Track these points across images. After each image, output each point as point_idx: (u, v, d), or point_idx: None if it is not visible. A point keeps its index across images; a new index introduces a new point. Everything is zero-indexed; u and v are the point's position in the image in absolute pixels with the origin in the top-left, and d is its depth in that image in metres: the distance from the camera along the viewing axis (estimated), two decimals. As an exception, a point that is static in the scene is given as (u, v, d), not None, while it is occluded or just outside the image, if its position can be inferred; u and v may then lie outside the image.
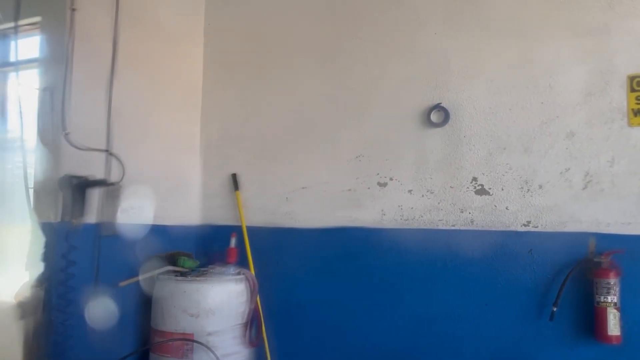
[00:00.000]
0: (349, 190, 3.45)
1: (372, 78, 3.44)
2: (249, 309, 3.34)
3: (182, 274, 3.33)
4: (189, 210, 3.96)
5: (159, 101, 3.68)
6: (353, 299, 3.37)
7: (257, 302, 3.41)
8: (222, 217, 3.90)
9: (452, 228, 3.14)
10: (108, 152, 3.21)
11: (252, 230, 3.71)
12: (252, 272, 3.52)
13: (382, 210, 3.34)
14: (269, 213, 3.72)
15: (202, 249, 3.88)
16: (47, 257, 2.91)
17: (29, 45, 3.30)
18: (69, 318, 2.87)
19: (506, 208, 3.02)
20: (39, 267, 2.95)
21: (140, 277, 3.30)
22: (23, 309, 2.86)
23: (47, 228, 2.95)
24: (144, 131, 3.56)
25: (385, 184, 3.34)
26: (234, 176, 3.83)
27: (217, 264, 3.51)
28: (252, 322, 3.34)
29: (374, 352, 3.29)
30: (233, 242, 3.50)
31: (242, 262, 3.58)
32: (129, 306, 3.34)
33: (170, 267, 3.41)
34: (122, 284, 3.21)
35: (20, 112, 3.06)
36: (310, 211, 3.56)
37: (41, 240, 2.97)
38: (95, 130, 3.23)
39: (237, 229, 3.72)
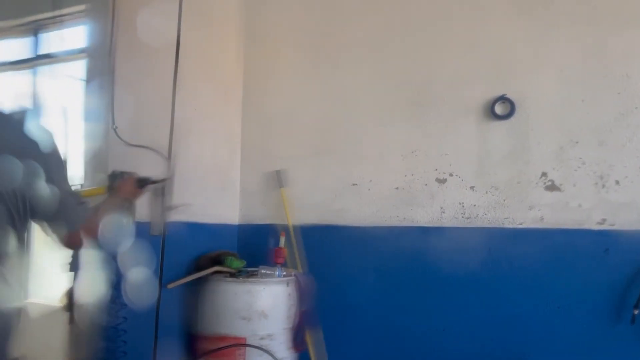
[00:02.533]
0: (404, 186, 3.28)
1: (428, 69, 3.27)
2: (299, 311, 3.18)
3: (231, 275, 3.17)
4: (230, 208, 3.80)
5: (200, 94, 3.52)
6: (409, 301, 3.21)
7: (308, 304, 3.24)
8: (264, 215, 3.74)
9: (520, 226, 2.97)
10: (153, 148, 3.03)
11: (301, 229, 3.54)
12: (300, 272, 3.35)
13: (441, 208, 3.17)
14: (317, 211, 3.55)
15: (244, 249, 3.71)
16: (96, 259, 2.76)
17: (72, 35, 3.14)
18: (121, 322, 2.72)
19: (579, 205, 2.84)
20: (87, 269, 2.80)
21: (189, 278, 3.14)
22: (72, 313, 2.71)
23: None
24: (188, 126, 3.39)
25: (444, 180, 3.17)
26: (278, 173, 3.66)
27: (265, 264, 3.35)
28: (301, 325, 3.18)
29: (433, 357, 3.12)
30: (282, 241, 3.34)
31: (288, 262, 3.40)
32: (176, 308, 3.19)
33: (218, 268, 3.25)
34: (171, 285, 3.06)
35: (64, 105, 2.91)
36: (362, 209, 3.40)
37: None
38: (140, 124, 3.07)
39: (281, 228, 3.55)
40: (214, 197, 3.63)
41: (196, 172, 3.44)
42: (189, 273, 3.28)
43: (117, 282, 2.79)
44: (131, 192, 2.21)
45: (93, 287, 2.77)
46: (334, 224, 3.49)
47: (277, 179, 3.66)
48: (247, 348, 3.00)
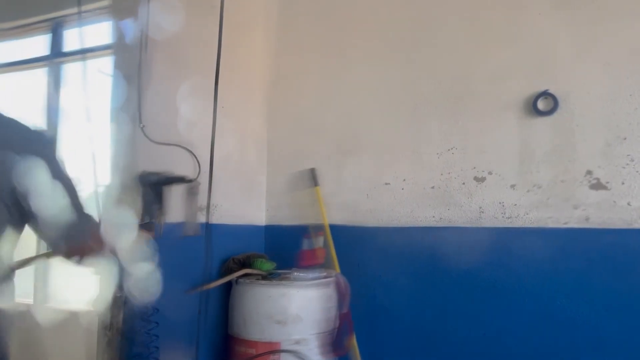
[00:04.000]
0: (440, 185, 3.18)
1: (466, 63, 3.16)
2: (339, 314, 3.07)
3: (263, 278, 3.07)
4: (257, 208, 3.70)
5: (227, 94, 3.41)
6: (447, 305, 3.11)
7: (348, 306, 3.14)
8: (291, 215, 3.64)
9: (564, 226, 2.86)
10: (184, 147, 2.94)
11: (331, 229, 3.44)
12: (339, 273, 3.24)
13: (480, 208, 3.06)
14: (347, 211, 3.45)
15: (271, 250, 3.61)
16: (127, 261, 2.65)
17: (99, 31, 3.05)
18: (153, 328, 2.61)
19: (628, 204, 2.73)
20: (117, 272, 2.69)
21: (220, 281, 3.04)
22: (103, 317, 2.61)
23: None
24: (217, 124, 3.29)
25: (483, 179, 3.06)
26: (312, 171, 3.56)
27: (294, 265, 3.24)
28: (341, 329, 3.08)
29: (472, 361, 3.01)
30: (320, 241, 3.23)
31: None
32: (207, 312, 3.08)
33: (248, 270, 3.16)
34: (203, 288, 2.95)
35: (87, 103, 2.81)
36: (396, 209, 3.30)
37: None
38: (168, 122, 2.97)
39: (310, 228, 3.44)
40: (240, 197, 3.53)
41: (223, 172, 3.34)
42: (218, 275, 3.19)
43: (147, 286, 2.68)
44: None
45: (121, 291, 2.67)
46: (364, 224, 3.38)
47: (311, 178, 3.56)
48: (282, 353, 2.90)
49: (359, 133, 3.44)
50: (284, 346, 2.87)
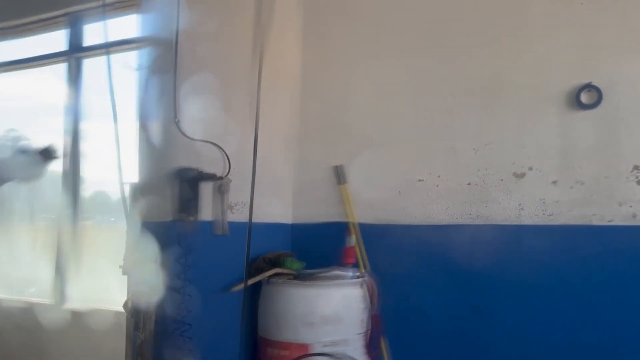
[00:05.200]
0: (477, 182, 3.07)
1: (504, 55, 3.06)
2: (370, 315, 2.98)
3: (295, 277, 2.98)
4: (286, 206, 3.61)
5: (250, 85, 3.31)
6: (484, 306, 3.00)
7: (377, 308, 3.04)
8: (318, 213, 3.54)
9: (609, 224, 2.75)
10: (215, 143, 2.85)
11: (360, 228, 3.34)
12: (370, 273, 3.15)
13: (520, 205, 2.96)
14: (378, 208, 3.35)
15: (298, 249, 3.51)
16: (158, 261, 2.57)
17: (132, 24, 2.96)
18: (186, 330, 2.53)
19: (678, 200, 2.62)
20: (148, 272, 2.61)
21: (251, 281, 2.96)
22: (135, 319, 2.53)
23: (157, 227, 2.61)
24: (244, 120, 3.21)
25: (522, 175, 2.96)
26: (338, 168, 3.46)
27: (322, 264, 3.15)
28: (375, 330, 2.99)
29: (512, 364, 2.91)
30: (352, 240, 3.14)
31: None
32: (236, 313, 3.00)
33: (278, 270, 3.06)
34: (234, 289, 2.87)
35: (112, 97, 2.72)
36: (430, 206, 3.20)
37: (148, 241, 2.63)
38: (198, 118, 2.88)
39: (339, 226, 3.35)
40: (267, 195, 3.43)
41: (251, 170, 3.25)
42: (246, 275, 3.10)
43: (180, 287, 2.61)
44: None
45: (154, 291, 2.59)
46: (397, 222, 3.28)
47: (337, 175, 3.46)
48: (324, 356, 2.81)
49: (391, 129, 3.34)
50: (319, 348, 2.78)
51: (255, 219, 3.23)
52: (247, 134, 3.17)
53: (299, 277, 2.97)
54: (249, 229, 2.52)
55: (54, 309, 3.71)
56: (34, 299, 3.91)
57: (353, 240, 3.13)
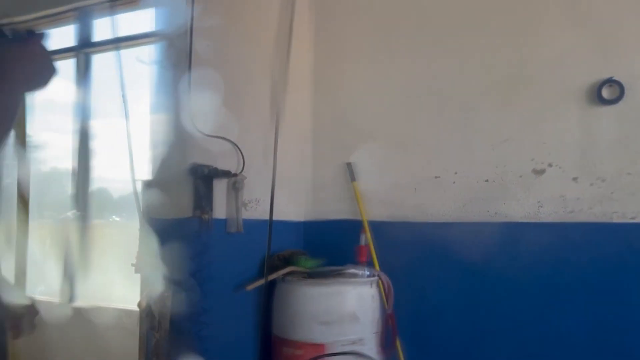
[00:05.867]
0: (495, 178, 3.02)
1: (522, 49, 3.00)
2: (385, 314, 2.93)
3: (309, 275, 2.93)
4: (298, 204, 3.55)
5: (263, 80, 3.26)
6: (501, 305, 2.96)
7: (392, 306, 3.00)
8: (331, 211, 3.50)
9: (631, 221, 2.70)
10: (229, 139, 2.80)
11: (373, 225, 3.28)
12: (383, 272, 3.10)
13: (539, 202, 2.91)
14: (394, 206, 3.30)
15: (311, 247, 3.46)
16: (172, 259, 2.52)
17: (144, 17, 2.91)
18: (203, 329, 2.48)
19: (702, 197, 2.56)
20: (162, 271, 2.56)
21: (266, 280, 2.90)
22: (149, 318, 2.48)
23: (171, 225, 2.55)
24: (258, 116, 3.16)
25: (542, 171, 2.91)
26: (349, 165, 3.41)
27: (334, 262, 3.10)
28: (389, 329, 2.94)
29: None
30: (363, 239, 3.09)
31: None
32: (250, 311, 2.96)
33: (293, 268, 3.01)
34: (249, 287, 2.82)
35: (124, 93, 2.66)
36: (446, 203, 3.15)
37: (161, 239, 2.58)
38: (212, 114, 2.82)
39: (353, 224, 3.30)
40: (283, 192, 3.38)
41: (264, 166, 3.20)
42: (260, 273, 3.05)
43: (195, 285, 2.55)
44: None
45: (169, 290, 2.54)
46: (412, 220, 3.23)
47: (348, 173, 3.41)
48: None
49: (406, 125, 3.29)
50: (334, 347, 2.74)
51: (267, 217, 3.18)
52: (261, 130, 3.13)
53: (314, 275, 2.92)
54: (270, 225, 2.47)
55: (62, 307, 3.67)
56: (42, 297, 3.86)
57: (365, 239, 3.06)
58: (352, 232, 3.23)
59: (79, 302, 3.62)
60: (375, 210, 3.32)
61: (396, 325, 2.99)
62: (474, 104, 3.09)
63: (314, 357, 2.46)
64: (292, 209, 3.49)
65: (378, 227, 3.28)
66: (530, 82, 2.95)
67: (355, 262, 3.06)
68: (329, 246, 3.37)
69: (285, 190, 3.44)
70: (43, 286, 3.79)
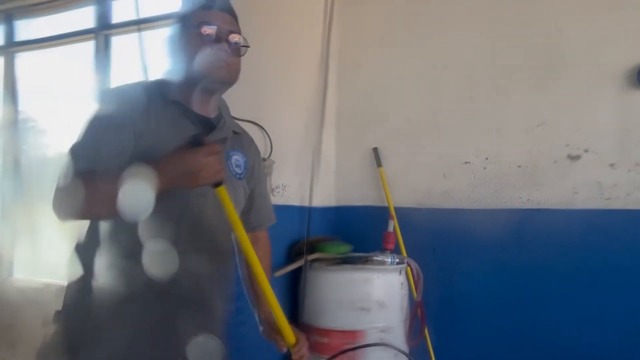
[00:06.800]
0: (528, 164, 2.95)
1: (559, 31, 2.91)
2: (413, 303, 2.88)
3: (338, 262, 2.87)
4: (326, 188, 3.48)
5: (292, 63, 3.18)
6: (534, 295, 2.89)
7: (421, 294, 2.94)
8: (361, 196, 3.44)
9: (672, 208, 2.62)
10: (257, 123, 2.72)
11: (400, 212, 3.22)
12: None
13: (574, 188, 2.83)
14: (422, 192, 3.24)
15: (340, 233, 3.40)
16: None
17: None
18: (239, 314, 2.42)
19: None
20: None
21: (295, 265, 2.85)
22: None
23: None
24: (283, 98, 3.08)
25: (577, 157, 2.83)
26: (375, 150, 3.34)
27: (363, 248, 3.04)
28: (417, 317, 2.89)
29: (565, 355, 2.80)
30: (391, 225, 3.02)
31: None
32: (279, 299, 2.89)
33: (321, 255, 2.96)
34: (277, 274, 2.77)
35: (146, 76, 2.58)
36: (476, 190, 3.08)
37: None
38: (238, 97, 2.74)
39: (379, 210, 3.24)
40: (308, 177, 3.32)
41: (293, 151, 3.14)
42: (288, 260, 3.01)
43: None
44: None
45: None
46: (440, 207, 3.17)
47: (374, 158, 3.34)
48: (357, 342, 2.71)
49: (436, 108, 3.21)
50: (365, 335, 2.69)
51: (295, 202, 3.13)
52: (289, 114, 3.06)
53: (342, 261, 2.86)
54: (309, 210, 2.41)
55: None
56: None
57: (392, 225, 3.00)
58: (379, 219, 3.17)
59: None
60: (402, 196, 3.26)
61: (424, 313, 2.93)
62: (507, 87, 3.01)
63: (341, 351, 2.40)
64: (320, 193, 3.43)
65: (405, 214, 3.21)
66: (566, 64, 2.87)
67: (381, 249, 3.00)
68: (355, 233, 3.32)
69: (315, 176, 3.38)
70: None
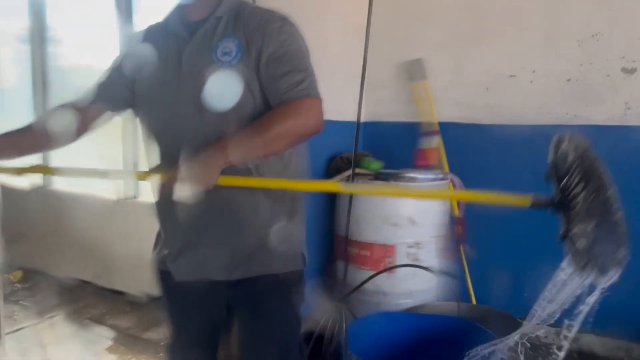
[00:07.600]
0: (579, 77, 2.80)
1: None
2: (452, 218, 2.85)
3: (375, 178, 2.84)
4: (354, 104, 3.38)
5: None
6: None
7: (462, 211, 2.91)
8: (394, 111, 3.34)
9: None
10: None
11: (440, 127, 3.13)
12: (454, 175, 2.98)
13: (627, 103, 2.69)
14: (461, 106, 3.12)
15: (372, 149, 3.33)
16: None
17: None
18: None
19: None
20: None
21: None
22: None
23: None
24: (312, 10, 2.92)
25: (633, 70, 2.66)
26: (414, 62, 3.19)
27: (398, 165, 2.98)
28: (454, 234, 2.87)
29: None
30: (435, 141, 2.94)
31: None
32: (312, 213, 2.90)
33: (356, 170, 2.90)
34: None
35: None
36: (521, 104, 2.95)
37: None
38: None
39: (411, 126, 3.15)
40: (340, 91, 3.21)
41: (323, 63, 3.01)
42: (326, 174, 2.98)
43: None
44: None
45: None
46: (482, 122, 3.06)
47: (413, 70, 3.20)
48: (396, 255, 2.73)
49: (479, 17, 3.02)
50: (402, 249, 2.70)
51: (327, 116, 3.04)
52: (315, 23, 2.91)
53: (379, 177, 2.82)
54: (357, 124, 2.33)
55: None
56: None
57: (434, 141, 2.91)
58: (411, 135, 3.09)
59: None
60: (442, 111, 3.15)
61: (464, 229, 2.91)
62: (561, -5, 2.80)
63: (373, 275, 2.42)
64: (352, 108, 3.33)
65: (447, 129, 3.12)
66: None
67: (414, 166, 2.94)
68: (391, 148, 3.25)
69: (345, 89, 3.27)
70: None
